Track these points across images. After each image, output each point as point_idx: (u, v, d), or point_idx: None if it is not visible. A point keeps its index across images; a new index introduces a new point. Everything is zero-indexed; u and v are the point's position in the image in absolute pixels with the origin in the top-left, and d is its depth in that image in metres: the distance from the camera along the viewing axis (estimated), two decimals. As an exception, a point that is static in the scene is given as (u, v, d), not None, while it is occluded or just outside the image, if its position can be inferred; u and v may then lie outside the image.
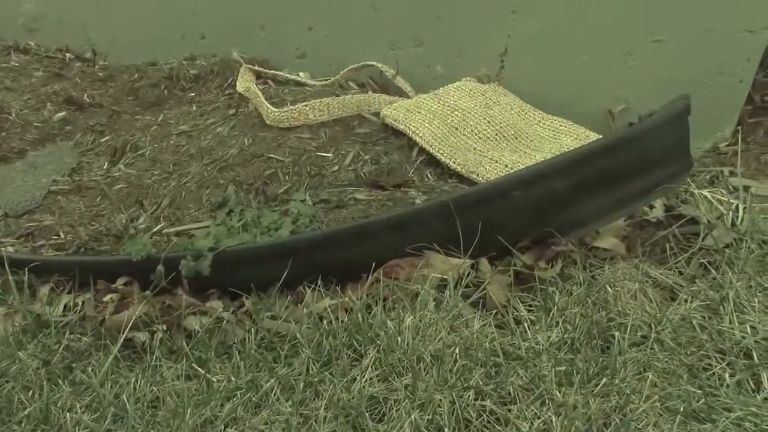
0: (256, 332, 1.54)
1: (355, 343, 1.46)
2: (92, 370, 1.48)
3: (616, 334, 1.45)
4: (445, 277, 1.57)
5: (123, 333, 1.54)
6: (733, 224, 1.76)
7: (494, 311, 1.55)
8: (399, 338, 1.42)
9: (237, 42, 2.74)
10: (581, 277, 1.61)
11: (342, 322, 1.51)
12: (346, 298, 1.57)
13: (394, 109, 2.23)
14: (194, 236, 1.82)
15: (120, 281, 1.70)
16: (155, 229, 1.91)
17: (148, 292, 1.64)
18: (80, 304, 1.68)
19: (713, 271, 1.63)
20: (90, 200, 2.09)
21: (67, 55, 3.04)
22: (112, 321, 1.59)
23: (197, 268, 1.62)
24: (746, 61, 2.17)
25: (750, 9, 2.11)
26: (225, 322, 1.58)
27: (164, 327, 1.58)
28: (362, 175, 2.01)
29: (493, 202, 1.64)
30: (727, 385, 1.36)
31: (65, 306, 1.69)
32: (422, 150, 2.11)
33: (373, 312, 1.51)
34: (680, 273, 1.66)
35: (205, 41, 2.82)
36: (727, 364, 1.41)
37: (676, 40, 2.20)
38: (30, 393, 1.43)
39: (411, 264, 1.60)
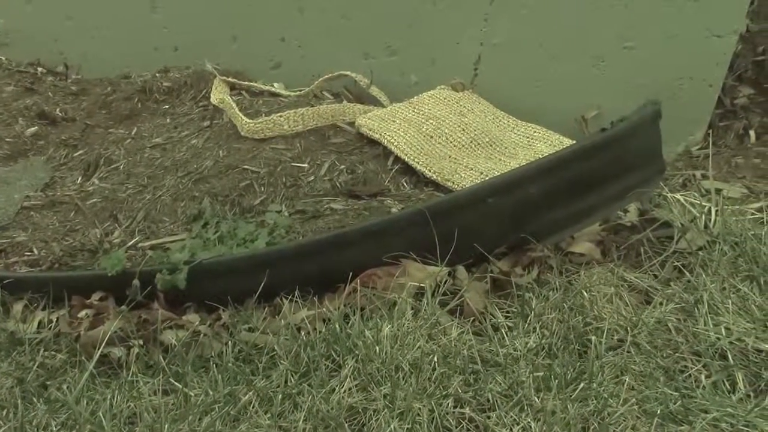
0: (234, 345, 1.53)
1: (333, 354, 1.45)
2: (67, 387, 1.46)
3: (593, 338, 1.46)
4: (422, 285, 1.57)
5: (98, 349, 1.52)
6: (705, 227, 1.78)
7: (472, 318, 1.56)
8: (377, 347, 1.42)
9: (210, 54, 2.73)
10: (557, 282, 1.62)
11: (320, 332, 1.51)
12: (324, 309, 1.57)
13: (368, 119, 2.23)
14: (170, 249, 1.80)
15: (95, 296, 1.69)
16: (130, 243, 1.90)
17: (123, 307, 1.62)
18: (55, 320, 1.66)
19: (687, 273, 1.65)
20: (64, 215, 2.07)
21: (39, 69, 3.01)
22: (88, 337, 1.58)
23: (173, 282, 1.61)
24: (715, 66, 2.20)
25: (716, 14, 2.14)
26: (202, 335, 1.57)
27: (140, 342, 1.56)
28: (338, 184, 2.01)
29: (469, 210, 1.65)
30: (704, 387, 1.38)
31: (39, 323, 1.67)
32: (398, 159, 2.11)
33: (350, 322, 1.51)
34: (655, 276, 1.68)
35: (178, 53, 2.81)
36: (703, 366, 1.43)
37: (646, 46, 2.23)
38: (5, 412, 1.41)
39: (388, 273, 1.61)
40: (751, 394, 1.37)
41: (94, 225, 1.99)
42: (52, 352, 1.58)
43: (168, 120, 2.44)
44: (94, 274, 1.74)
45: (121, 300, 1.65)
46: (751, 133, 2.36)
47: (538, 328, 1.51)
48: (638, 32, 2.23)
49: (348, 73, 2.49)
